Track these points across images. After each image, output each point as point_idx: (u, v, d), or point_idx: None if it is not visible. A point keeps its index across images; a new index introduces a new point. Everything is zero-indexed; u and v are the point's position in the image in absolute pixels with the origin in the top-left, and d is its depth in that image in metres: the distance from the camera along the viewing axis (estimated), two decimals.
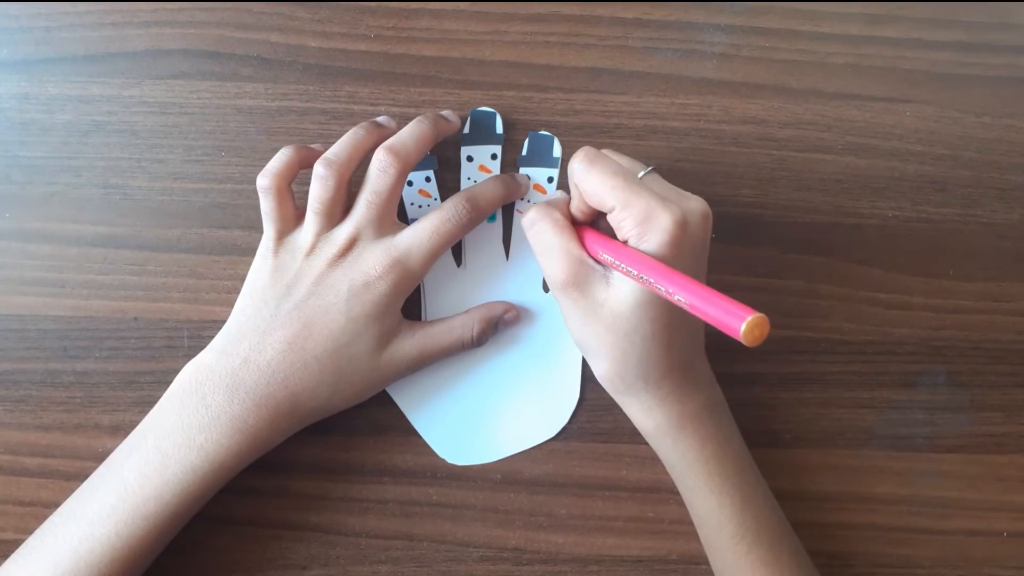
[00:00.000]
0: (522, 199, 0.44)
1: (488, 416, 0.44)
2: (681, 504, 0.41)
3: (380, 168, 0.39)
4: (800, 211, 0.45)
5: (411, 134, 0.40)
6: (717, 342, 0.41)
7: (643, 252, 0.35)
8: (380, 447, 0.44)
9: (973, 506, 0.44)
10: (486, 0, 0.45)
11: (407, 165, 0.40)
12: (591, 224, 0.40)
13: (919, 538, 0.44)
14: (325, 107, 0.45)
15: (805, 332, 0.45)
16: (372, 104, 0.45)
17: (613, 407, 0.40)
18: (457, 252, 0.44)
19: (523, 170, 0.45)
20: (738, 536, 0.38)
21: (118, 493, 0.37)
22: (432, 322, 0.42)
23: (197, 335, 0.43)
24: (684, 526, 0.42)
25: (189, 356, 0.40)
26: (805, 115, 0.46)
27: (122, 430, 0.41)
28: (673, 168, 0.45)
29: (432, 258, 0.40)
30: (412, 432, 0.44)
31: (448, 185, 0.45)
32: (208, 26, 0.45)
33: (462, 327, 0.42)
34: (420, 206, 0.44)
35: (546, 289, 0.44)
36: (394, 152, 0.39)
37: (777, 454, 0.44)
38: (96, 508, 0.37)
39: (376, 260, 0.39)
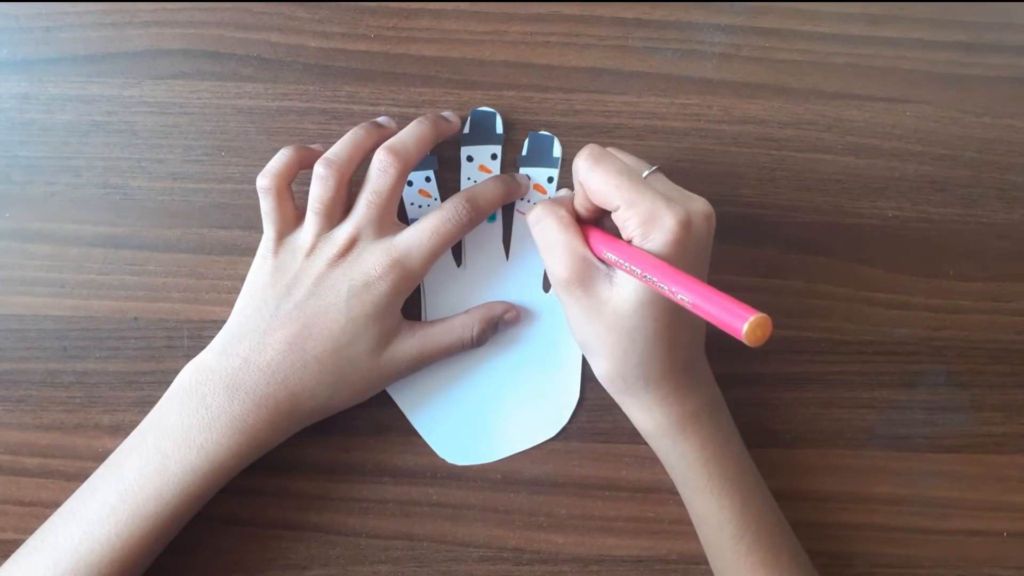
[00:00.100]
0: (522, 199, 0.44)
1: (488, 416, 0.44)
2: (681, 504, 0.41)
3: (380, 168, 0.39)
4: (800, 211, 0.45)
5: (411, 134, 0.40)
6: (717, 342, 0.41)
7: (647, 251, 0.35)
8: (380, 447, 0.44)
9: (973, 506, 0.44)
10: (486, 0, 0.45)
11: (408, 165, 0.40)
12: (595, 222, 0.40)
13: (919, 538, 0.44)
14: (325, 107, 0.45)
15: (805, 332, 0.45)
16: (372, 104, 0.45)
17: (613, 407, 0.41)
18: (457, 252, 0.44)
19: (523, 170, 0.45)
20: (738, 537, 0.38)
21: (118, 493, 0.37)
22: (432, 322, 0.42)
23: (197, 335, 0.43)
24: (684, 526, 0.43)
25: (189, 356, 0.40)
26: (805, 115, 0.46)
27: (122, 430, 0.42)
28: (673, 168, 0.45)
29: (432, 258, 0.40)
30: (412, 432, 0.44)
31: (448, 185, 0.45)
32: (208, 26, 0.45)
33: (462, 327, 0.42)
34: (420, 206, 0.44)
35: (546, 289, 0.44)
36: (395, 152, 0.39)
37: (777, 454, 0.44)
38: (96, 508, 0.37)
39: (376, 260, 0.39)
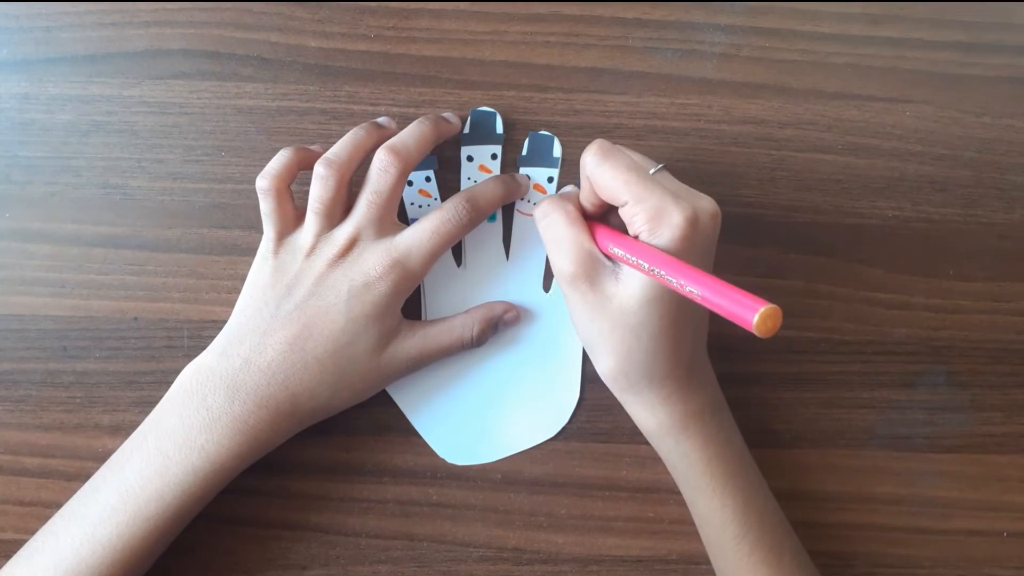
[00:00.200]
0: (522, 199, 0.44)
1: (488, 416, 0.44)
2: (681, 504, 0.41)
3: (381, 168, 0.39)
4: (800, 211, 0.45)
5: (412, 135, 0.40)
6: (718, 342, 0.41)
7: (654, 247, 0.35)
8: (380, 447, 0.44)
9: (973, 506, 0.44)
10: (486, 0, 0.45)
11: (408, 165, 0.40)
12: (600, 219, 0.40)
13: (919, 538, 0.44)
14: (325, 107, 0.45)
15: (805, 332, 0.45)
16: (372, 104, 0.45)
17: (613, 407, 0.41)
18: (457, 252, 0.44)
19: (523, 170, 0.45)
20: (740, 536, 0.38)
21: (119, 494, 0.37)
22: (432, 322, 0.42)
23: (197, 335, 0.43)
24: (684, 526, 0.43)
25: (189, 356, 0.40)
26: (805, 115, 0.46)
27: (122, 430, 0.42)
28: (673, 168, 0.44)
29: (432, 258, 0.40)
30: (412, 432, 0.44)
31: (448, 185, 0.45)
32: (208, 26, 0.44)
33: (462, 327, 0.42)
34: (420, 206, 0.44)
35: (546, 289, 0.44)
36: (395, 152, 0.39)
37: (777, 454, 0.44)
38: (97, 510, 0.37)
39: (376, 260, 0.39)
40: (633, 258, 0.35)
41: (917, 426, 0.45)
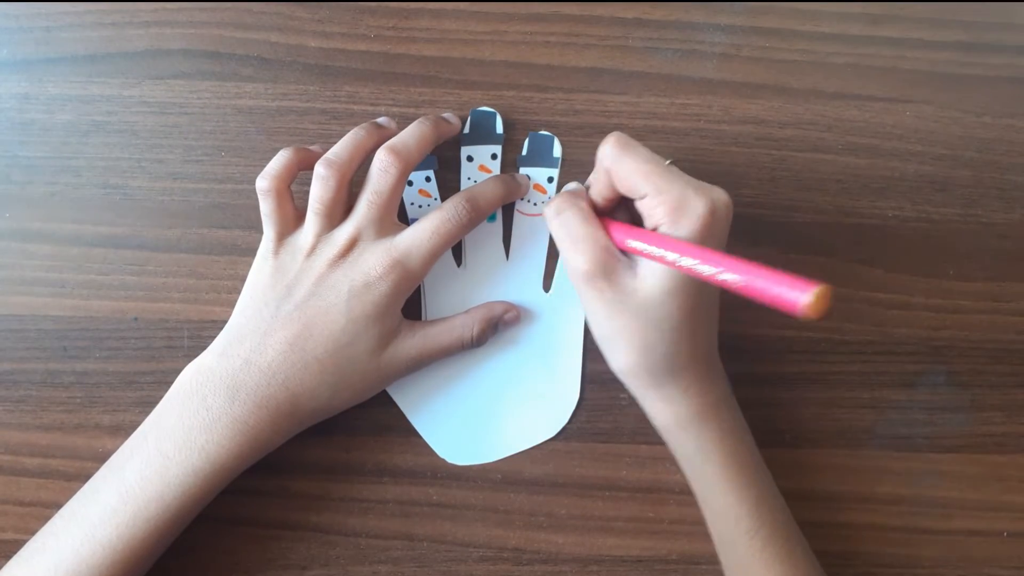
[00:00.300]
0: (522, 199, 0.44)
1: (488, 416, 0.44)
2: (681, 504, 0.41)
3: (382, 168, 0.39)
4: (800, 211, 0.45)
5: (412, 135, 0.40)
6: (718, 342, 0.41)
7: (680, 239, 0.35)
8: (380, 447, 0.44)
9: (973, 506, 0.44)
10: (486, 0, 0.45)
11: (408, 165, 0.40)
12: (609, 214, 0.40)
13: (919, 538, 0.44)
14: (325, 107, 0.45)
15: (805, 332, 0.45)
16: (372, 104, 0.45)
17: (613, 407, 0.41)
18: (457, 252, 0.44)
19: (523, 170, 0.45)
20: (753, 531, 0.38)
21: (119, 495, 0.37)
22: (432, 322, 0.42)
23: (197, 335, 0.43)
24: (684, 526, 0.43)
25: (189, 356, 0.40)
26: (805, 115, 0.46)
27: (122, 430, 0.42)
28: None
29: (432, 258, 0.40)
30: (412, 432, 0.44)
31: (448, 185, 0.45)
32: (208, 26, 0.44)
33: (462, 327, 0.42)
34: (420, 206, 0.44)
35: (546, 289, 0.44)
36: (396, 152, 0.39)
37: (778, 454, 0.44)
38: (97, 510, 0.37)
39: (376, 261, 0.39)
40: (658, 251, 0.35)
41: (917, 426, 0.45)
